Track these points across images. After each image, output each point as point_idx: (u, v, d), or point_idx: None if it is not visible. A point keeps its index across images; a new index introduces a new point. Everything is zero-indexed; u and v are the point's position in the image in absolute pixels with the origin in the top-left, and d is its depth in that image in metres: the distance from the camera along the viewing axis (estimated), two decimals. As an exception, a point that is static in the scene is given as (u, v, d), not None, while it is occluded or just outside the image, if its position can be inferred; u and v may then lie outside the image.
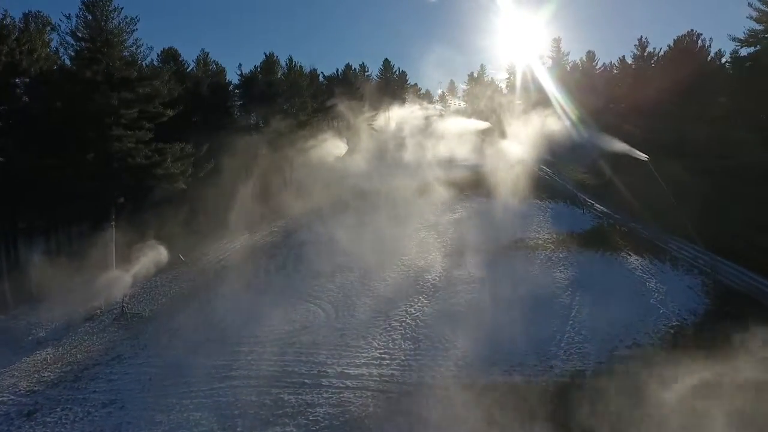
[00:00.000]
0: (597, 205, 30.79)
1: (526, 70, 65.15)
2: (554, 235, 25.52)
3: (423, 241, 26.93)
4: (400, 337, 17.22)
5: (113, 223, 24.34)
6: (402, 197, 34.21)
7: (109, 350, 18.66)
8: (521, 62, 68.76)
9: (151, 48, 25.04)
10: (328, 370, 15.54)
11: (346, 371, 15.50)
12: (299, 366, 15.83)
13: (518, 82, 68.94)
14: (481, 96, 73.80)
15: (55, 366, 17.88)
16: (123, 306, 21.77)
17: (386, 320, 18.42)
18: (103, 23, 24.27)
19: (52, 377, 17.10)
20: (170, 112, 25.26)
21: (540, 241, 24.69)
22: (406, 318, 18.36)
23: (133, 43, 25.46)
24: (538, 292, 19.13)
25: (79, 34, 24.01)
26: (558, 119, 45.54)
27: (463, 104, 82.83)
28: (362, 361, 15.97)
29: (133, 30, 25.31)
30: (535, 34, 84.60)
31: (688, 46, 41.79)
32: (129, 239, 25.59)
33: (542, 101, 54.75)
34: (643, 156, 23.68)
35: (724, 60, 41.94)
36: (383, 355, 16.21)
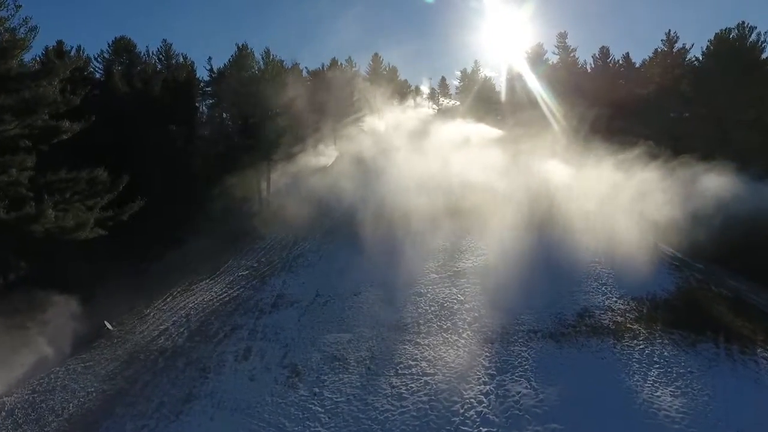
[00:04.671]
0: (660, 245, 22.50)
1: (522, 69, 56.55)
2: (632, 304, 17.04)
3: (444, 307, 18.24)
4: None
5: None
6: (406, 228, 25.34)
7: None
8: (517, 59, 59.91)
9: (35, 28, 15.40)
10: None
11: None
12: None
13: (504, 82, 60.49)
14: (477, 94, 64.98)
15: None
16: (-23, 449, 12.74)
17: None
18: (-44, -11, 14.83)
19: None
20: (72, 126, 15.87)
21: (618, 317, 16.17)
22: None
23: (20, 23, 16.07)
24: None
25: None
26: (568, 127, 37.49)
27: (456, 103, 73.65)
28: None
29: (18, 6, 15.86)
30: (534, 28, 76.06)
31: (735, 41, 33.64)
32: (14, 315, 16.48)
33: (532, 103, 46.80)
34: None
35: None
36: None
